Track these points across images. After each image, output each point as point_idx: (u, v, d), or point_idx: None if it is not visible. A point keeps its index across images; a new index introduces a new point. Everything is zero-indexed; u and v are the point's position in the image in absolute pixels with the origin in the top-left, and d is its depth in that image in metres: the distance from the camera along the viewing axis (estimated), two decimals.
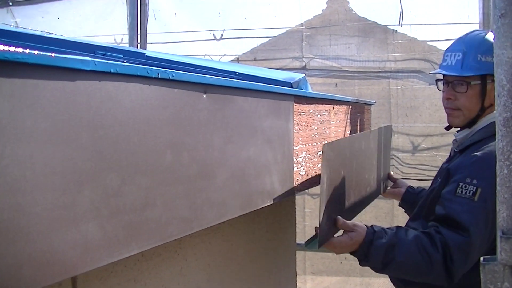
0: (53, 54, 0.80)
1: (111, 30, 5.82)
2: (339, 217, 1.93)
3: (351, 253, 1.95)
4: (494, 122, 1.96)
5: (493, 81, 2.01)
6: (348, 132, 2.51)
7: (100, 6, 5.92)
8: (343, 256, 5.52)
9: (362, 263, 1.93)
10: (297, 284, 2.67)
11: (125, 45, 5.06)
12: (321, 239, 1.78)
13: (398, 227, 1.97)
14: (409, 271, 1.90)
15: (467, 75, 2.14)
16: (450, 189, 1.96)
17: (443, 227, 1.89)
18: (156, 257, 1.49)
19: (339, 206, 1.95)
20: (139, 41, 4.96)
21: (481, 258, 1.24)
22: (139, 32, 4.96)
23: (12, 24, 5.34)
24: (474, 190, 1.88)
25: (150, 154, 1.04)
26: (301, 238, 5.41)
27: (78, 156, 0.86)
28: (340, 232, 1.93)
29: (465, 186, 1.91)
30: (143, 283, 1.43)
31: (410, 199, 2.71)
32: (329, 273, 5.82)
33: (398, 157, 5.29)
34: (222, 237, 1.86)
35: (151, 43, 5.34)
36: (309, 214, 5.56)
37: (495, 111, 2.05)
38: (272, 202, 1.62)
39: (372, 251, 1.87)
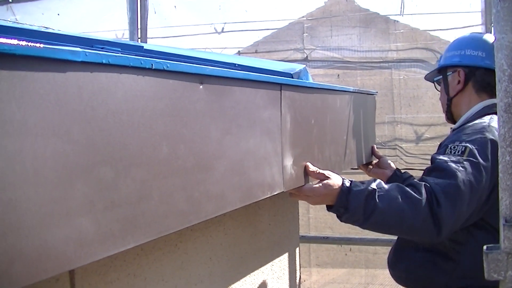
0: (41, 45, 0.78)
1: (112, 26, 5.80)
2: (309, 163, 1.87)
3: (329, 209, 1.88)
4: (486, 106, 2.17)
5: (453, 72, 2.29)
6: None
7: (100, 1, 5.91)
8: (348, 248, 5.52)
9: (344, 216, 1.84)
10: (302, 276, 2.65)
11: (126, 40, 5.04)
12: (287, 182, 1.71)
13: (374, 179, 1.91)
14: (394, 219, 1.79)
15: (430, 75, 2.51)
16: (439, 152, 1.98)
17: (429, 177, 1.87)
18: (156, 251, 1.48)
19: (309, 155, 1.90)
20: (139, 36, 4.93)
21: (484, 247, 1.23)
22: (139, 27, 4.93)
23: (9, 20, 5.33)
24: (463, 149, 1.89)
25: (145, 146, 1.03)
26: (305, 231, 5.41)
27: (70, 149, 0.85)
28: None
29: (454, 147, 1.92)
30: (142, 277, 1.42)
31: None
32: (334, 265, 5.81)
33: (401, 147, 5.27)
34: (224, 230, 1.85)
35: (152, 38, 5.32)
36: (313, 206, 5.54)
37: (484, 101, 2.21)
38: (272, 194, 1.60)
39: (352, 198, 1.80)
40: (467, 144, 1.91)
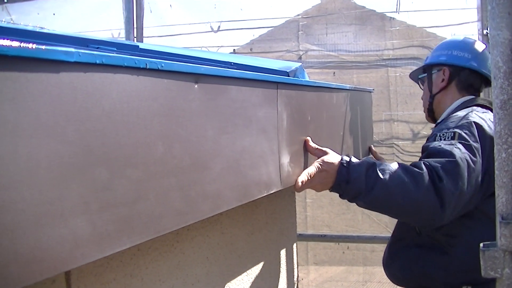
0: (34, 46, 0.77)
1: (108, 25, 5.80)
2: (309, 138, 1.86)
3: (331, 189, 1.84)
4: (465, 101, 2.28)
5: (439, 70, 2.41)
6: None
7: (96, 1, 5.90)
8: (346, 246, 5.52)
9: (346, 190, 1.80)
10: (299, 275, 2.65)
11: (122, 39, 5.03)
12: (284, 180, 1.69)
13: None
14: (396, 192, 1.74)
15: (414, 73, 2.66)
16: (430, 141, 2.02)
17: (426, 159, 1.86)
18: (153, 251, 1.47)
19: (306, 152, 1.89)
20: (135, 35, 4.93)
21: (481, 245, 1.23)
22: (135, 26, 4.92)
23: (4, 20, 5.32)
24: (452, 135, 1.92)
25: (140, 146, 1.02)
26: (302, 229, 5.41)
27: (65, 150, 0.84)
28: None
29: (443, 134, 1.95)
30: (139, 278, 1.41)
31: None
32: (332, 263, 5.82)
33: (398, 145, 5.27)
34: (221, 230, 1.84)
35: (148, 37, 5.32)
36: (310, 204, 5.55)
37: (464, 97, 2.33)
38: (269, 193, 1.60)
39: (352, 170, 1.78)
40: (456, 130, 1.94)
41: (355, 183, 1.77)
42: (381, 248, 4.91)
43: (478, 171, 1.85)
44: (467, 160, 1.81)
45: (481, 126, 1.96)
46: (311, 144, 1.86)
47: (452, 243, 2.02)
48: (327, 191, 1.87)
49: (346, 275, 5.77)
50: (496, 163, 1.18)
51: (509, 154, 1.15)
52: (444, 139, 1.92)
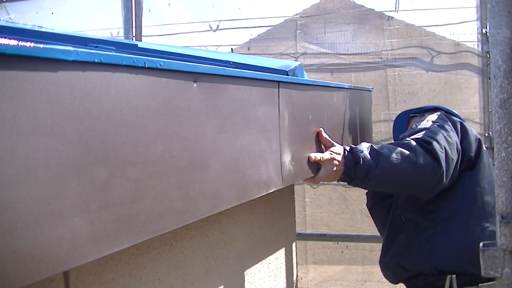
0: (32, 44, 0.77)
1: (107, 24, 5.78)
2: (322, 129, 2.02)
3: (342, 176, 1.99)
4: None
5: (432, 113, 2.55)
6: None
7: (94, 0, 5.89)
8: (345, 245, 5.51)
9: (357, 171, 1.96)
10: (298, 274, 2.65)
11: (120, 38, 5.02)
12: (285, 178, 1.75)
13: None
14: (399, 160, 1.94)
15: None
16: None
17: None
18: (151, 250, 1.47)
19: (307, 151, 1.95)
20: (134, 34, 4.92)
21: (481, 244, 1.22)
22: (134, 25, 4.92)
23: (2, 19, 5.31)
24: (425, 122, 2.20)
25: (139, 145, 1.02)
26: (301, 228, 5.40)
27: (63, 149, 0.84)
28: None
29: (418, 123, 2.22)
30: (138, 277, 1.41)
31: None
32: (330, 262, 5.80)
33: None
34: (220, 229, 1.84)
35: (147, 36, 5.30)
36: (309, 203, 5.53)
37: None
38: (268, 192, 1.60)
39: (356, 153, 1.96)
40: (424, 118, 2.24)
41: (363, 162, 1.94)
42: (379, 247, 4.91)
43: (455, 139, 2.09)
44: (442, 132, 2.07)
45: (449, 115, 2.27)
46: (324, 134, 2.00)
47: (432, 218, 2.19)
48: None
49: (345, 274, 5.76)
50: (496, 162, 1.18)
51: (508, 153, 1.14)
52: (417, 126, 2.19)
